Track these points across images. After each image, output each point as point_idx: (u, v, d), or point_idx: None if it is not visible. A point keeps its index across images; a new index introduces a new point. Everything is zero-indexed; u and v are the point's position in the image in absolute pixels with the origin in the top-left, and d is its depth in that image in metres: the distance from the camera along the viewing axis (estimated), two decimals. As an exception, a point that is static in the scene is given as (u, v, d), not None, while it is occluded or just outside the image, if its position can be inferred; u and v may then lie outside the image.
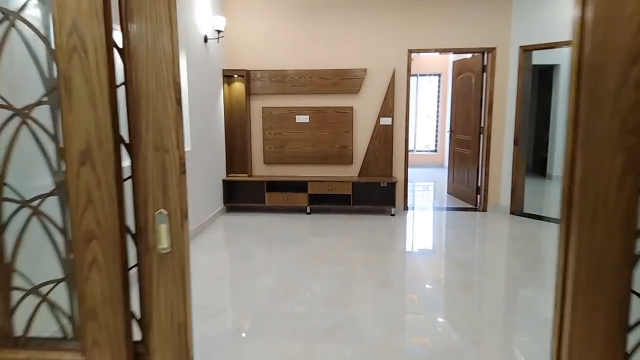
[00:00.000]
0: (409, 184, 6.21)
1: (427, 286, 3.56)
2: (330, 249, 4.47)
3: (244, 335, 2.83)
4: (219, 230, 5.17)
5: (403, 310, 3.20)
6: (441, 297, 3.36)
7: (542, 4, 5.31)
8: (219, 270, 3.91)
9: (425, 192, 7.66)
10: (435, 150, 10.24)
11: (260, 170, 6.23)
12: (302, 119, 6.03)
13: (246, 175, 6.09)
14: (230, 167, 6.15)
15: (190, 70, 4.76)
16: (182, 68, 4.66)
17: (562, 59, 7.92)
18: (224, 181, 5.91)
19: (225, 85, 5.96)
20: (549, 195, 7.13)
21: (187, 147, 4.76)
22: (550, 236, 4.89)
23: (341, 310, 3.10)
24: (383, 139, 6.02)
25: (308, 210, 5.94)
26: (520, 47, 5.58)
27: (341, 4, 5.84)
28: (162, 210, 1.19)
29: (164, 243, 1.18)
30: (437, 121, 10.14)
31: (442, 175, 9.04)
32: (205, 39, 5.19)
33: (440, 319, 3.00)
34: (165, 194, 1.20)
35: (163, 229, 1.18)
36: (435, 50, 5.87)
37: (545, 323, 2.91)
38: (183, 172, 1.22)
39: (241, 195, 6.22)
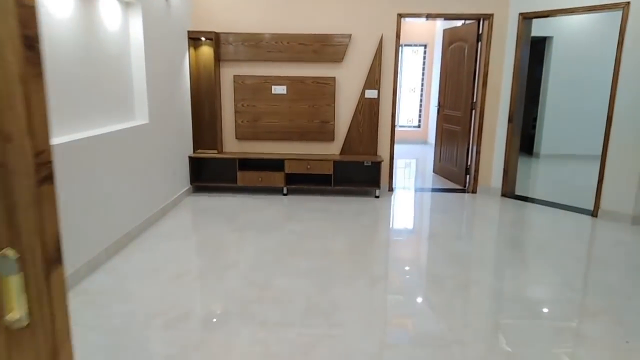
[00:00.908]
0: (394, 162, 5.72)
1: (421, 284, 3.12)
2: (310, 237, 3.97)
3: (204, 351, 2.32)
4: (183, 215, 4.59)
5: (397, 314, 2.76)
6: (438, 299, 2.92)
7: (547, -35, 4.77)
8: (181, 265, 3.36)
9: (409, 170, 7.22)
10: (419, 126, 9.77)
11: (232, 146, 5.62)
12: (279, 89, 5.42)
13: (216, 151, 5.48)
14: (198, 143, 5.51)
15: (148, 29, 4.06)
16: (137, 25, 3.95)
17: (556, 30, 7.47)
18: (191, 158, 5.29)
19: (192, 50, 5.26)
20: (538, 176, 6.79)
21: (144, 119, 4.12)
22: (546, 220, 4.53)
23: (323, 319, 2.62)
24: (368, 113, 5.48)
25: (285, 191, 5.40)
26: (520, 14, 5.06)
27: (324, -41, 5.16)
28: (5, 251, 0.63)
29: (15, 310, 0.64)
30: (422, 95, 9.63)
31: (426, 152, 8.62)
32: (167, -6, 4.47)
33: (436, 325, 2.56)
34: (10, 223, 0.64)
35: (11, 286, 0.63)
36: (428, 15, 5.30)
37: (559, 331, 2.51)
38: (47, 179, 0.64)
39: (210, 174, 5.62)
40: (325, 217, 4.56)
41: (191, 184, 5.33)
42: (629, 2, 4.21)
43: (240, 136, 5.53)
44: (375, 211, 4.85)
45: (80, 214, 3.07)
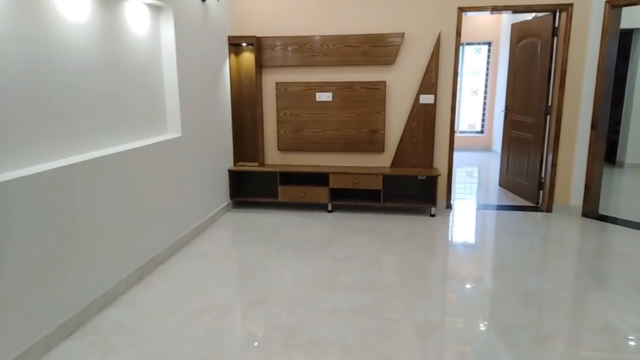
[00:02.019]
0: (453, 175, 5.08)
1: (488, 336, 2.53)
2: (353, 265, 3.48)
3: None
4: (219, 234, 4.26)
5: (453, 378, 2.20)
6: (511, 358, 2.33)
7: (643, -59, 3.97)
8: (206, 297, 3.00)
9: (471, 182, 6.50)
10: (482, 132, 8.94)
11: (274, 158, 5.25)
12: (324, 96, 4.98)
13: (257, 164, 5.13)
14: (239, 155, 5.19)
15: (181, 35, 3.77)
16: (169, 31, 3.67)
17: (647, 20, 6.44)
18: (231, 172, 4.97)
19: (232, 56, 4.95)
20: (624, 191, 5.84)
21: (177, 133, 3.83)
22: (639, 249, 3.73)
23: (363, 381, 2.12)
24: (423, 121, 4.90)
25: (329, 208, 4.94)
26: (607, 2, 4.27)
27: (373, -48, 4.66)
28: None
29: None
30: (485, 98, 8.81)
31: (491, 161, 7.84)
32: (203, -2, 4.18)
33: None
34: None
35: None
36: (494, 9, 4.63)
37: None
38: None
39: (251, 188, 5.28)
40: (372, 240, 4.04)
41: (231, 198, 5.01)
42: None
43: (282, 147, 5.15)
44: (431, 233, 4.25)
45: (98, 239, 2.78)
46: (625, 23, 6.34)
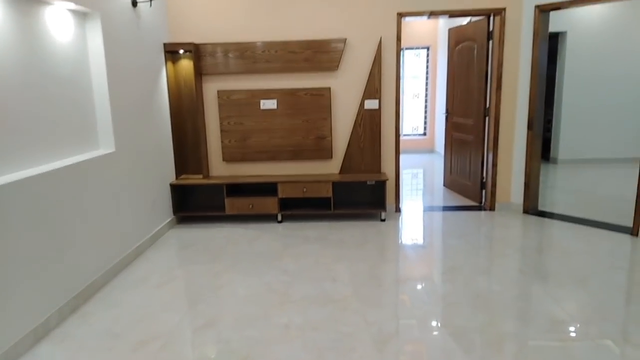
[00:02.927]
0: (400, 178, 5.12)
1: (443, 342, 2.51)
2: (306, 278, 3.38)
3: None
4: (162, 254, 4.01)
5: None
6: (466, 364, 2.32)
7: (565, -50, 4.20)
8: (149, 326, 2.78)
9: (417, 184, 6.61)
10: (425, 134, 9.17)
11: (219, 169, 5.04)
12: (269, 104, 4.85)
13: (201, 176, 4.90)
14: (182, 168, 4.95)
15: (111, 42, 3.51)
16: (96, 38, 3.40)
17: (570, 25, 6.87)
18: (173, 186, 4.71)
19: (169, 64, 4.71)
20: (560, 187, 6.16)
21: (110, 148, 3.55)
22: (580, 243, 3.90)
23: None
24: (369, 126, 4.90)
25: (279, 218, 4.81)
26: (536, 6, 4.48)
27: (311, -43, 4.61)
28: None
29: None
30: (426, 101, 9.04)
31: (434, 162, 8.04)
32: (134, 3, 3.92)
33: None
34: None
35: None
36: (431, 13, 4.72)
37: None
38: None
39: (196, 202, 5.04)
40: (324, 249, 3.96)
41: (174, 214, 4.75)
42: (667, -14, 3.61)
43: (227, 158, 4.96)
44: (382, 238, 4.24)
45: (21, 272, 2.49)
46: (553, 27, 6.74)
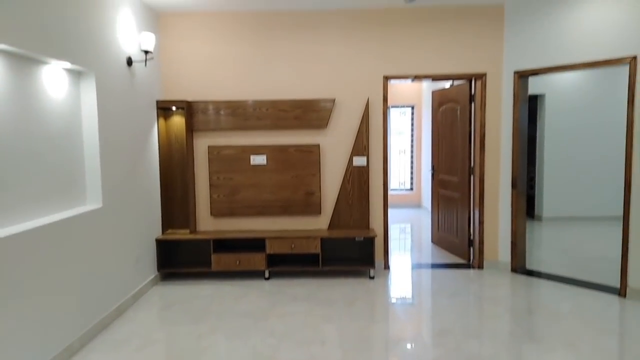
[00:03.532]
0: (389, 234, 5.12)
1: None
2: (294, 341, 3.27)
3: None
4: (145, 313, 3.87)
5: None
6: None
7: (538, 23, 4.49)
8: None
9: (405, 239, 6.61)
10: (412, 189, 9.29)
11: (207, 224, 5.00)
12: (258, 159, 4.91)
13: (188, 231, 4.84)
14: (168, 222, 4.89)
15: (104, 100, 3.57)
16: (90, 96, 3.46)
17: (548, 88, 7.23)
18: (158, 241, 4.63)
19: (161, 120, 4.78)
20: (546, 245, 6.21)
21: (97, 204, 3.52)
22: (569, 304, 3.88)
23: None
24: (357, 182, 4.96)
25: (267, 275, 4.72)
26: (515, 72, 4.72)
27: (304, 23, 4.85)
28: None
29: None
30: (412, 156, 9.24)
31: (421, 218, 8.09)
32: (129, 62, 4.04)
33: None
34: None
35: None
36: (415, 77, 4.94)
37: None
38: None
39: (182, 258, 4.95)
40: (312, 308, 3.87)
41: (159, 270, 4.63)
42: (635, 57, 3.86)
43: (215, 213, 4.93)
44: (371, 297, 4.17)
45: (-8, 337, 2.37)
46: (531, 89, 7.08)
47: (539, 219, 7.52)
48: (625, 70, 3.99)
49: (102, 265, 3.53)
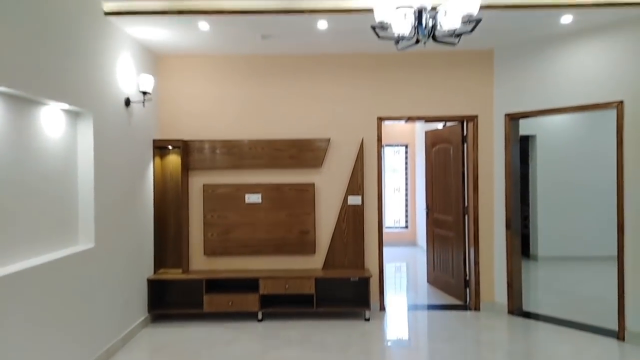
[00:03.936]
0: (383, 274, 5.06)
1: None
2: (287, 387, 3.16)
3: None
4: (134, 356, 3.75)
5: None
6: None
7: (526, 68, 4.64)
8: None
9: (400, 278, 6.53)
10: (407, 227, 9.27)
11: (200, 263, 4.93)
12: (253, 198, 4.91)
13: (180, 271, 4.77)
14: (161, 261, 4.82)
15: (101, 140, 3.60)
16: (87, 136, 3.49)
17: (539, 129, 7.38)
18: (150, 281, 4.55)
19: (157, 159, 4.81)
20: (542, 285, 6.16)
21: (89, 244, 3.48)
22: (567, 349, 3.81)
23: None
24: (352, 221, 4.95)
25: (259, 317, 4.62)
26: (506, 115, 4.83)
27: (299, 66, 4.98)
28: None
29: None
30: (407, 194, 9.28)
31: (416, 256, 8.04)
32: (127, 102, 4.10)
33: None
34: None
35: None
36: (409, 119, 5.04)
37: None
38: None
39: (174, 298, 4.85)
40: (306, 353, 3.77)
41: (149, 312, 4.53)
42: (621, 102, 3.98)
43: (209, 252, 4.88)
44: (367, 341, 4.08)
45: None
46: (522, 130, 7.21)
47: (535, 258, 7.50)
48: (613, 112, 4.10)
49: (91, 307, 3.44)
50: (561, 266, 7.00)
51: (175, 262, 4.85)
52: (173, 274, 4.70)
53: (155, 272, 4.70)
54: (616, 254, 4.06)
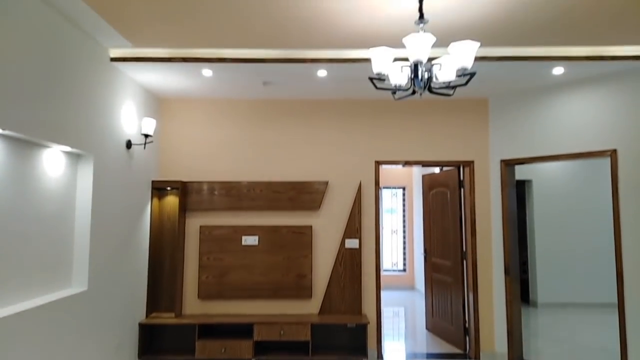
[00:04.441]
0: (381, 320, 4.96)
1: None
2: None
3: None
4: (121, 405, 3.60)
5: None
6: None
7: (520, 117, 4.75)
8: None
9: (399, 324, 6.39)
10: (404, 270, 9.17)
11: (193, 307, 4.84)
12: (250, 240, 4.88)
13: (173, 315, 4.67)
14: (153, 304, 4.73)
15: (100, 182, 3.62)
16: (87, 178, 3.51)
17: (534, 174, 7.46)
18: (142, 325, 4.45)
19: (155, 200, 4.81)
20: (543, 333, 6.04)
21: (82, 287, 3.42)
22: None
23: None
24: (349, 265, 4.90)
25: (253, 364, 4.49)
26: (501, 160, 4.90)
27: (298, 110, 5.09)
28: None
29: None
30: (404, 237, 9.24)
31: (415, 300, 7.90)
32: (129, 145, 4.15)
33: None
34: None
35: None
36: (406, 163, 5.11)
37: None
38: None
39: (165, 344, 4.72)
40: (301, 404, 3.63)
41: (139, 358, 4.39)
42: (615, 150, 4.05)
43: (203, 295, 4.79)
44: (363, 391, 3.94)
45: None
46: (519, 175, 7.30)
47: (534, 304, 7.38)
48: (608, 159, 4.16)
49: (82, 352, 3.34)
50: (561, 313, 6.88)
51: (169, 306, 4.76)
52: (165, 318, 4.59)
53: (147, 316, 4.59)
54: (616, 300, 4.01)
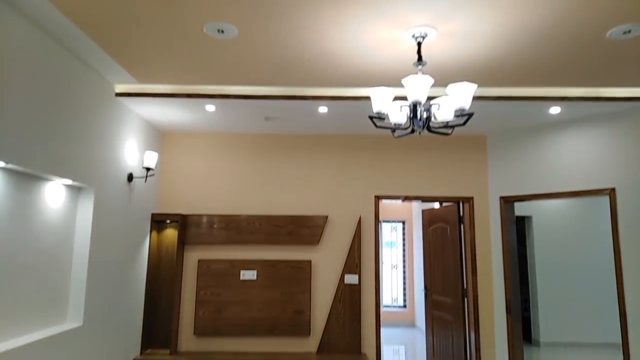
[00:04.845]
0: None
1: None
2: None
3: None
4: None
5: None
6: None
7: (519, 154, 4.81)
8: None
9: (399, 364, 6.24)
10: (405, 306, 9.01)
11: (189, 344, 4.73)
12: (248, 275, 4.83)
13: (168, 352, 4.56)
14: (149, 340, 4.63)
15: (100, 215, 3.61)
16: (87, 212, 3.51)
17: (534, 210, 7.46)
18: (135, 362, 4.34)
19: (154, 232, 4.80)
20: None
21: (77, 322, 3.36)
22: None
23: None
24: (349, 301, 4.83)
25: (249, 405, 4.36)
26: (501, 197, 4.92)
27: (298, 145, 5.15)
28: None
29: None
30: (405, 272, 9.14)
31: (415, 338, 7.73)
32: (130, 178, 4.18)
33: None
34: None
35: None
36: (406, 198, 5.12)
37: None
38: None
39: (158, 381, 4.59)
40: None
41: (131, 396, 4.27)
42: (614, 188, 4.08)
43: (199, 331, 4.70)
44: None
45: None
46: (519, 211, 7.30)
47: (537, 344, 7.21)
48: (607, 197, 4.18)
49: (71, 392, 3.25)
50: (564, 353, 6.72)
51: (164, 342, 4.66)
52: (161, 355, 4.49)
53: (142, 353, 4.49)
54: (620, 341, 3.93)
